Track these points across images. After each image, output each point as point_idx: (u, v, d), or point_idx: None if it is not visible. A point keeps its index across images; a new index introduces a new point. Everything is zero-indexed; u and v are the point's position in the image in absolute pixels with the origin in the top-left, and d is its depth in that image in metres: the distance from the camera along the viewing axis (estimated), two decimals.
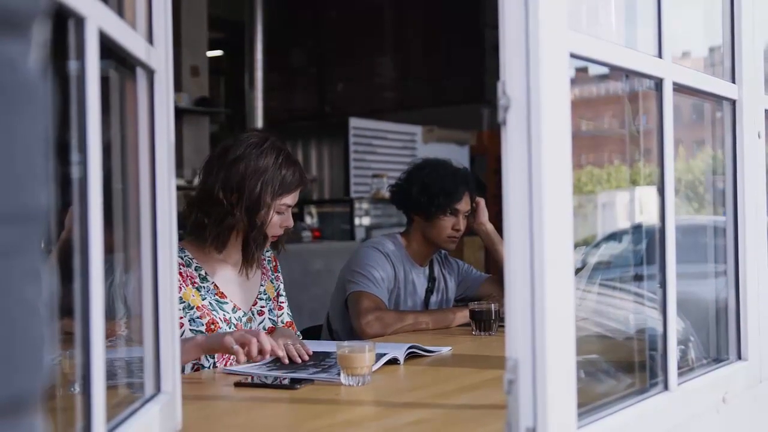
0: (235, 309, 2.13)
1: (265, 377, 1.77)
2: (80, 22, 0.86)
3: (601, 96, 1.64)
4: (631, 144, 1.69)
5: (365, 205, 6.83)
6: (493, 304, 2.45)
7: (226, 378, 1.83)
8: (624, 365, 1.54)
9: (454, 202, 2.72)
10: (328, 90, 9.54)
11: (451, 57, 8.63)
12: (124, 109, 1.18)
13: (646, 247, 1.54)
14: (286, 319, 2.31)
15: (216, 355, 2.04)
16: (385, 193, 6.49)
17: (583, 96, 1.43)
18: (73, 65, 0.86)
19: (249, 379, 1.75)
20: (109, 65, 1.08)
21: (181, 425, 1.28)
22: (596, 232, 1.85)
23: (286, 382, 1.72)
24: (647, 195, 1.52)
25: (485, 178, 6.45)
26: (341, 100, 9.33)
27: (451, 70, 8.55)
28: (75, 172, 0.86)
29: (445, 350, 2.14)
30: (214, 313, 2.07)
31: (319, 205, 7.16)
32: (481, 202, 2.84)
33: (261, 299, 2.23)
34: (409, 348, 2.00)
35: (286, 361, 1.89)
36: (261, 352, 1.80)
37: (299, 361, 1.90)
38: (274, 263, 2.33)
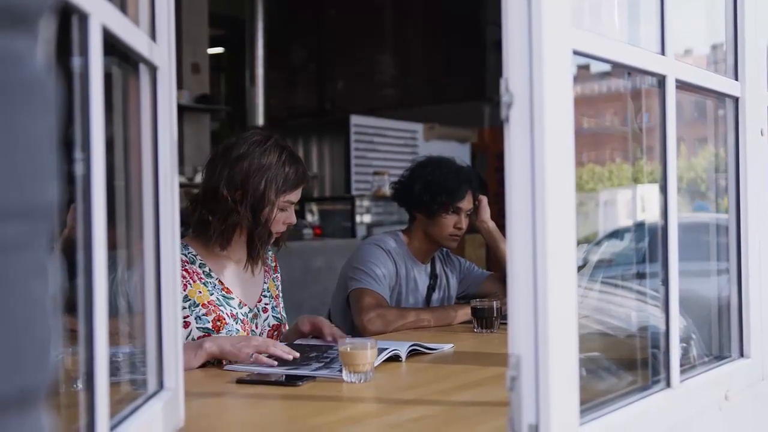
0: (241, 305, 2.14)
1: (267, 374, 1.77)
2: (84, 18, 0.86)
3: (603, 93, 1.64)
4: (633, 142, 1.69)
5: (366, 203, 6.82)
6: (494, 302, 2.46)
7: (228, 375, 1.83)
8: (626, 363, 1.54)
9: (457, 201, 2.72)
10: (328, 87, 9.54)
11: (452, 54, 8.63)
12: (127, 105, 1.18)
13: (648, 245, 1.54)
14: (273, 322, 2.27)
15: None
16: (386, 191, 6.49)
17: (585, 93, 1.43)
18: (76, 62, 0.86)
19: (251, 376, 1.75)
20: (112, 62, 1.08)
21: (184, 422, 1.28)
22: (598, 230, 1.85)
23: (288, 379, 1.72)
24: (649, 193, 1.52)
25: (486, 175, 6.45)
26: (342, 97, 9.33)
27: (452, 68, 8.54)
28: (78, 168, 0.86)
29: (447, 347, 2.14)
30: (221, 308, 2.08)
31: (320, 203, 7.16)
32: (484, 200, 2.84)
33: (265, 296, 2.24)
34: (411, 345, 2.01)
35: (290, 358, 1.88)
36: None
37: (290, 358, 1.88)
38: (274, 263, 2.34)
